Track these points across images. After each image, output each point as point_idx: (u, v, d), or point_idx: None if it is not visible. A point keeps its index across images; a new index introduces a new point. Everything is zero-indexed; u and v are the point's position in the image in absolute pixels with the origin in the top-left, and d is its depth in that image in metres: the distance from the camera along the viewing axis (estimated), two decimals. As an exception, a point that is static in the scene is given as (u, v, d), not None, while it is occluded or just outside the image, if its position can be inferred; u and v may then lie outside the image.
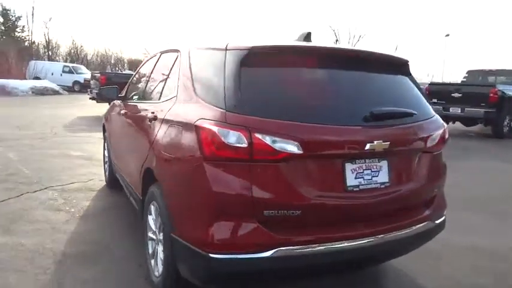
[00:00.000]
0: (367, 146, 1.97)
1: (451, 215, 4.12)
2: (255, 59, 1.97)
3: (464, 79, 14.02)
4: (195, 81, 2.21)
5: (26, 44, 32.44)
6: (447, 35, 39.95)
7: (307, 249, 1.89)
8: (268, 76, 2.01)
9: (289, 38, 2.55)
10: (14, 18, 33.06)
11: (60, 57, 36.76)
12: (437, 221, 2.37)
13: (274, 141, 1.81)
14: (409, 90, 2.38)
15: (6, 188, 4.49)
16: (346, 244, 1.97)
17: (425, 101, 2.43)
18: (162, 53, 3.21)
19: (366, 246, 2.02)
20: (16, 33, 33.45)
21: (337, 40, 43.34)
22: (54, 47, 36.87)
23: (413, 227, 2.20)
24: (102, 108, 9.42)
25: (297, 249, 1.87)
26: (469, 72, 14.27)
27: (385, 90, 2.27)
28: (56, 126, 9.58)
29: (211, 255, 1.80)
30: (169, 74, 2.70)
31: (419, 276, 2.86)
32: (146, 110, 2.80)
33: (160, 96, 2.68)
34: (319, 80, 2.12)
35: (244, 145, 1.79)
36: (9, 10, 32.61)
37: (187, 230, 1.95)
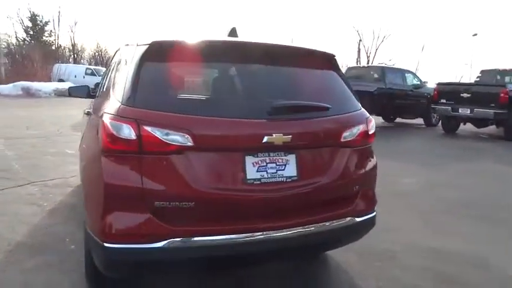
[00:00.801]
0: (265, 139, 1.98)
1: (437, 217, 4.10)
2: (156, 53, 2.02)
3: (478, 79, 13.61)
4: (114, 77, 2.28)
5: (53, 47, 33.65)
6: (475, 35, 38.71)
7: (202, 241, 1.91)
8: (166, 70, 2.05)
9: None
10: (42, 24, 34.38)
11: (85, 60, 38.02)
12: (360, 218, 2.33)
13: (163, 134, 1.85)
14: (330, 84, 2.37)
15: (-9, 183, 4.71)
16: (244, 237, 1.98)
17: (349, 94, 2.40)
18: (116, 50, 3.32)
19: (268, 240, 2.02)
20: (44, 38, 34.76)
21: (360, 40, 42.74)
22: (79, 50, 38.19)
23: (328, 223, 2.18)
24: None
25: (192, 241, 1.90)
26: (482, 71, 13.87)
27: (298, 84, 2.27)
28: (64, 126, 9.90)
29: (106, 244, 1.86)
30: (108, 70, 2.79)
31: (360, 275, 2.84)
32: (89, 107, 2.90)
33: (99, 92, 2.78)
34: (218, 74, 2.16)
35: (134, 137, 1.84)
36: (38, 15, 33.94)
37: (91, 221, 2.02)
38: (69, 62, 32.26)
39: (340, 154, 2.25)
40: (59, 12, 37.69)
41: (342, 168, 2.24)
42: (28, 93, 20.50)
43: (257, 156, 2.03)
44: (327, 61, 2.45)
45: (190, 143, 1.87)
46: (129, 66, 2.04)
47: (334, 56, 2.46)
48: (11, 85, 23.20)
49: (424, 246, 3.35)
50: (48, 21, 34.90)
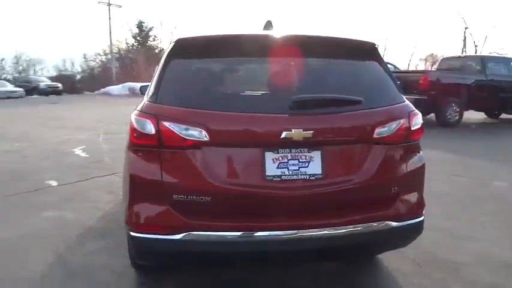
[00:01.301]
0: (283, 135, 1.90)
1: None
2: (180, 50, 2.07)
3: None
4: (154, 75, 2.39)
5: (156, 51, 36.65)
6: None
7: (220, 236, 1.91)
8: (188, 66, 2.09)
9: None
10: (147, 29, 37.66)
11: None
12: (401, 223, 2.10)
13: (180, 129, 1.89)
14: (367, 75, 2.18)
15: (82, 173, 5.32)
16: (265, 235, 1.93)
17: (390, 86, 2.19)
18: None
19: (291, 240, 1.94)
20: (149, 42, 38.05)
21: (466, 28, 38.79)
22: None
23: (360, 226, 2.02)
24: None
25: (209, 235, 1.91)
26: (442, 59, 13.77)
27: (328, 77, 2.13)
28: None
29: (132, 233, 1.97)
30: None
31: None
32: None
33: None
34: (240, 69, 2.11)
35: (153, 132, 1.91)
36: (144, 22, 37.24)
37: (125, 212, 2.15)
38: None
39: (374, 151, 2.06)
40: (162, 18, 40.88)
41: (376, 167, 2.05)
42: (133, 92, 22.70)
43: (277, 152, 1.96)
44: (365, 51, 2.27)
45: (206, 138, 1.89)
46: (159, 64, 2.13)
47: (374, 45, 2.26)
48: (120, 86, 25.94)
49: (497, 259, 2.92)
50: (152, 27, 38.06)
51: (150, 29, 37.66)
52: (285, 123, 1.92)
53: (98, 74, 32.99)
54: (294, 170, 1.97)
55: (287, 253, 2.03)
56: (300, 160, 1.98)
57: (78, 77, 34.55)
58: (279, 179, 1.95)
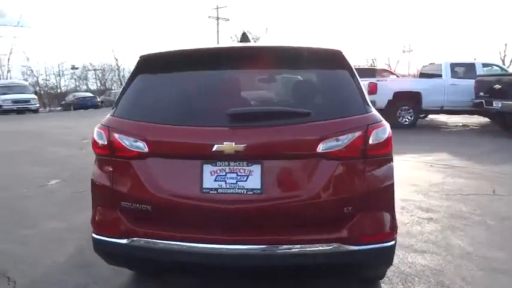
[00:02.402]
0: (215, 148, 1.89)
1: None
2: (142, 66, 2.20)
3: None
4: None
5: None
6: None
7: (162, 244, 1.98)
8: (144, 82, 2.18)
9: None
10: (253, 39, 39.34)
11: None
12: (357, 247, 1.91)
13: (125, 140, 2.01)
14: (323, 85, 2.04)
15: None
16: (202, 247, 1.94)
17: (352, 97, 2.00)
18: None
19: (227, 254, 1.92)
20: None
21: None
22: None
23: (302, 246, 1.90)
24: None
25: (151, 243, 2.00)
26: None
27: (281, 88, 2.03)
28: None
29: (92, 234, 2.16)
30: None
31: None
32: None
33: None
34: (188, 83, 2.14)
35: (105, 143, 2.07)
36: (250, 33, 38.97)
37: None
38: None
39: (321, 167, 1.91)
40: (266, 28, 42.28)
41: (323, 184, 1.90)
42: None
43: (215, 165, 1.96)
44: (327, 60, 2.12)
45: (146, 150, 1.98)
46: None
47: (338, 53, 2.10)
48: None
49: None
50: (259, 38, 39.61)
51: (255, 40, 39.25)
52: (218, 137, 1.91)
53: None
54: (232, 183, 1.94)
55: (225, 268, 2.00)
56: (239, 174, 1.94)
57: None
58: (215, 192, 1.94)
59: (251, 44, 2.22)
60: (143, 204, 2.00)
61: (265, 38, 40.62)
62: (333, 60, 2.13)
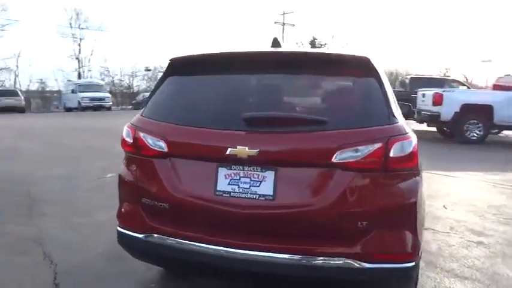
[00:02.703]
0: (228, 151, 1.89)
1: None
2: (171, 69, 2.27)
3: None
4: None
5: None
6: None
7: (176, 243, 2.03)
8: (171, 83, 2.24)
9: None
10: (319, 45, 38.93)
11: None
12: (370, 265, 1.81)
13: (149, 139, 2.09)
14: (348, 93, 1.96)
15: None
16: (213, 249, 1.95)
17: (376, 106, 1.91)
18: None
19: (236, 258, 1.91)
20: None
21: None
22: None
23: (312, 258, 1.83)
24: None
25: (164, 239, 2.05)
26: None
27: (302, 94, 2.00)
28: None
29: (117, 227, 2.27)
30: None
31: None
32: None
33: None
34: (211, 86, 2.16)
35: (131, 141, 2.17)
36: (316, 39, 38.66)
37: None
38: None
39: (336, 178, 1.83)
40: (333, 35, 41.66)
41: (337, 196, 1.82)
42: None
43: (230, 169, 1.96)
44: (353, 67, 2.03)
45: (166, 149, 2.04)
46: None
47: (366, 60, 2.00)
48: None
49: None
50: (325, 44, 39.15)
51: (322, 45, 38.82)
52: (232, 140, 1.92)
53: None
54: (245, 188, 1.93)
55: (233, 271, 2.00)
56: (252, 179, 1.93)
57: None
58: (228, 195, 1.95)
59: (276, 49, 2.21)
60: (161, 202, 2.07)
61: (332, 44, 40.03)
62: (358, 67, 2.04)
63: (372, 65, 2.01)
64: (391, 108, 1.93)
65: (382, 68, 2.30)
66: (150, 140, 2.11)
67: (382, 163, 1.82)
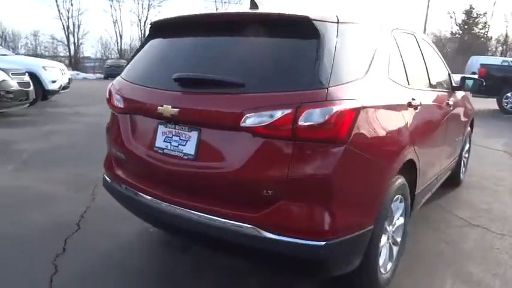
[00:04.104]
0: (158, 109, 1.98)
1: None
2: (150, 32, 2.43)
3: None
4: None
5: (482, 40, 32.62)
6: None
7: (125, 189, 2.26)
8: (145, 46, 2.40)
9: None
10: (476, 16, 33.87)
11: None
12: (272, 235, 1.72)
13: (116, 97, 2.33)
14: (281, 55, 1.85)
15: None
16: (150, 201, 2.10)
17: (306, 70, 1.73)
18: None
19: (166, 212, 2.02)
20: (476, 30, 34.24)
21: None
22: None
23: (219, 220, 1.83)
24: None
25: (120, 186, 2.30)
26: None
27: (233, 56, 1.94)
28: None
29: (104, 174, 2.59)
30: None
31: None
32: None
33: None
34: (162, 47, 2.26)
35: (108, 98, 2.43)
36: (473, 8, 33.60)
37: None
38: (496, 55, 30.32)
39: (245, 142, 1.76)
40: (494, 2, 35.53)
41: (245, 161, 1.76)
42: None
43: (166, 127, 2.06)
44: (289, 28, 1.89)
45: (121, 105, 2.25)
46: None
47: (304, 19, 1.82)
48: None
49: None
50: (485, 13, 33.83)
51: (479, 15, 33.70)
52: (162, 99, 2.00)
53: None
54: (175, 146, 2.01)
55: (163, 224, 2.13)
56: (181, 137, 1.99)
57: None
58: (162, 151, 2.05)
59: (224, 11, 2.19)
60: (120, 153, 2.31)
61: (492, 14, 34.50)
62: (295, 28, 1.88)
63: (313, 26, 1.81)
64: (321, 73, 1.72)
65: (352, 28, 2.05)
66: (116, 98, 2.34)
67: (291, 131, 1.68)
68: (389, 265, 2.37)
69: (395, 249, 2.45)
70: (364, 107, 1.84)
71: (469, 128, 4.49)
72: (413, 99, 2.42)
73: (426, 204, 3.69)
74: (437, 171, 3.21)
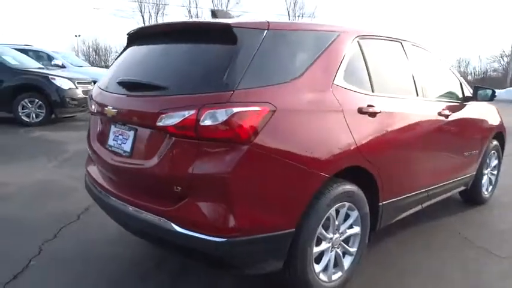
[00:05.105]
0: (104, 111, 2.22)
1: None
2: (126, 42, 2.67)
3: None
4: None
5: None
6: None
7: (91, 185, 2.51)
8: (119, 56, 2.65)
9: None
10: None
11: None
12: (181, 229, 1.82)
13: (90, 101, 2.61)
14: (202, 60, 1.99)
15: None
16: (102, 193, 2.33)
17: (217, 73, 1.83)
18: None
19: (110, 204, 2.22)
20: None
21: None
22: None
23: (142, 212, 1.99)
24: None
25: (88, 181, 2.57)
26: None
27: (165, 62, 2.12)
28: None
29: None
30: None
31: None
32: None
33: None
34: (124, 55, 2.46)
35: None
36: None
37: None
38: None
39: (161, 141, 1.92)
40: None
41: (161, 158, 1.90)
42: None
43: (115, 127, 2.27)
44: (213, 34, 2.02)
45: (92, 108, 2.52)
46: None
47: (224, 26, 1.93)
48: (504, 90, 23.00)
49: None
50: None
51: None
52: (108, 101, 2.25)
53: (492, 76, 30.55)
54: (119, 144, 2.21)
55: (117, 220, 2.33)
56: (123, 136, 2.19)
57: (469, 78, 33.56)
58: (111, 149, 2.28)
59: (169, 21, 2.36)
60: (89, 152, 2.58)
61: None
62: (218, 35, 1.99)
63: (232, 32, 1.90)
64: (230, 76, 1.80)
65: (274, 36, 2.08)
66: (90, 102, 2.62)
67: (195, 131, 1.78)
68: (338, 274, 2.32)
69: (348, 258, 2.39)
70: (281, 110, 1.88)
71: (495, 142, 4.12)
72: (370, 105, 2.36)
73: (435, 222, 3.49)
74: (425, 185, 3.02)
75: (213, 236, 1.78)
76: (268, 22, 2.04)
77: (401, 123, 2.66)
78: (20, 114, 8.06)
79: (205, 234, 1.80)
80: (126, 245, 2.91)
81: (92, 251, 2.82)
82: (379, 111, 2.41)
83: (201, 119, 1.77)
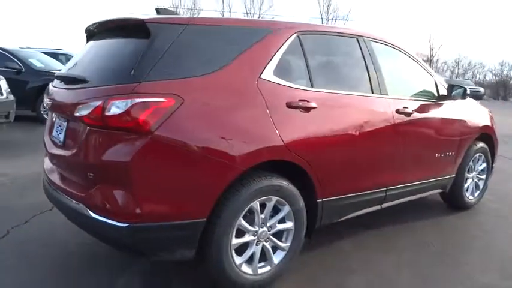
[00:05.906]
0: (49, 104, 2.39)
1: None
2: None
3: None
4: None
5: None
6: None
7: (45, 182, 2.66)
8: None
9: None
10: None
11: None
12: (94, 215, 1.93)
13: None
14: (119, 54, 2.12)
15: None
16: (45, 179, 2.49)
17: (126, 66, 1.94)
18: None
19: (55, 197, 2.31)
20: None
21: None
22: None
23: (69, 200, 2.11)
24: None
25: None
26: None
27: (95, 56, 2.27)
28: None
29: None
30: None
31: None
32: None
33: None
34: (79, 52, 2.62)
35: None
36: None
37: None
38: None
39: (78, 131, 2.07)
40: None
41: (77, 147, 2.04)
42: None
43: (58, 118, 2.42)
44: (130, 29, 2.13)
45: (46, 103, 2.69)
46: None
47: (138, 22, 2.05)
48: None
49: None
50: None
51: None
52: (52, 95, 2.41)
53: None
54: (58, 134, 2.36)
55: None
56: (60, 127, 2.34)
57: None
58: (53, 139, 2.44)
59: (103, 19, 2.47)
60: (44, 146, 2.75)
61: None
62: (134, 30, 2.09)
63: (146, 28, 2.00)
64: (138, 69, 1.90)
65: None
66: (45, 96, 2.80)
67: (102, 120, 1.89)
68: (266, 268, 2.34)
69: (280, 253, 2.40)
70: (190, 102, 1.94)
71: (480, 144, 3.92)
72: (303, 100, 2.36)
73: (401, 226, 3.40)
74: (381, 184, 2.95)
75: (117, 221, 1.87)
76: (190, 18, 2.13)
77: (346, 120, 2.62)
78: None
79: (111, 219, 1.89)
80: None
81: (53, 237, 2.99)
82: (315, 106, 2.40)
83: (106, 108, 1.87)
